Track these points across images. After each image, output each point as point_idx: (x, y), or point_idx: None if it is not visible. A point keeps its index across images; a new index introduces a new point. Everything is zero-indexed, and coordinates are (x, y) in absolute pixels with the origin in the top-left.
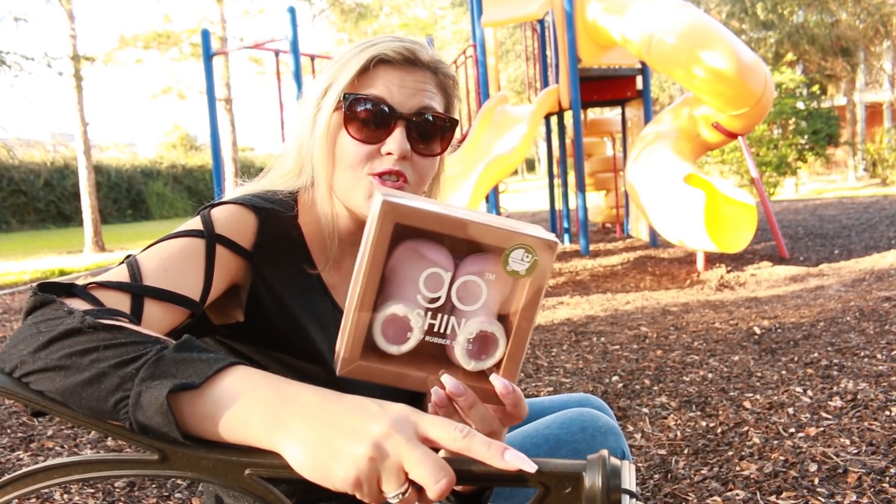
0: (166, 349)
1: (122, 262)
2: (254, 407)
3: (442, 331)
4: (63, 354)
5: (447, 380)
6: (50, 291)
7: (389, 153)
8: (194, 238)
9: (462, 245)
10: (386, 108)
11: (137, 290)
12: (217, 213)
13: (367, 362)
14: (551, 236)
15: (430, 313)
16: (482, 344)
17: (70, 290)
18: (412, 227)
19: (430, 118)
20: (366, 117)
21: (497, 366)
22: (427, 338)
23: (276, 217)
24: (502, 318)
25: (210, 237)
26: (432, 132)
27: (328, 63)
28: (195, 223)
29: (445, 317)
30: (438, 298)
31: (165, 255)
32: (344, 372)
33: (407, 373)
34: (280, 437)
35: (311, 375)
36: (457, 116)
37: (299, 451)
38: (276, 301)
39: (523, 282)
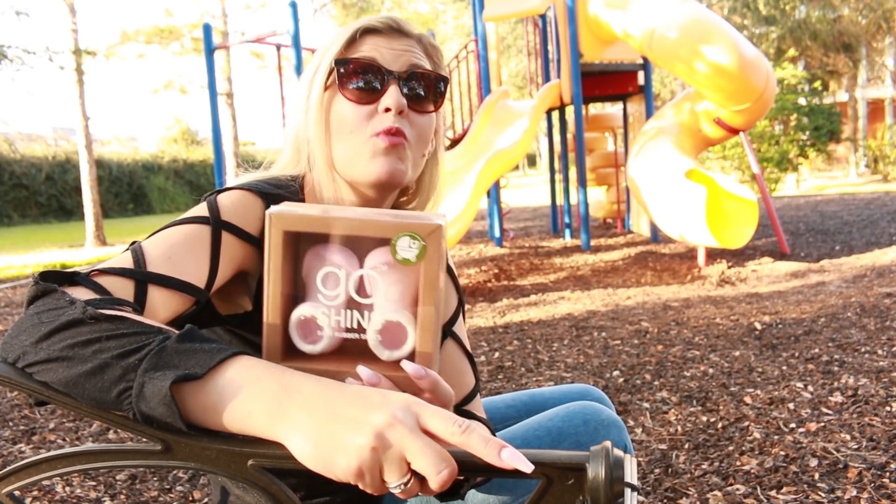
0: (169, 339)
1: (127, 249)
2: (257, 397)
3: (351, 325)
4: (65, 345)
5: (362, 370)
6: (52, 280)
7: (388, 109)
8: (200, 224)
9: (363, 244)
10: (379, 67)
11: (141, 277)
12: (223, 200)
13: (291, 363)
14: (437, 218)
15: (334, 310)
16: (391, 333)
17: (72, 278)
18: (300, 232)
19: (422, 75)
20: (360, 78)
21: (413, 352)
22: (344, 335)
23: (283, 200)
24: (407, 304)
25: (216, 223)
26: (426, 88)
27: (317, 48)
28: (201, 209)
29: (350, 312)
30: (338, 296)
31: (170, 242)
32: None
33: (328, 369)
34: (283, 428)
35: None
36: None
37: (302, 441)
38: None
39: (416, 267)
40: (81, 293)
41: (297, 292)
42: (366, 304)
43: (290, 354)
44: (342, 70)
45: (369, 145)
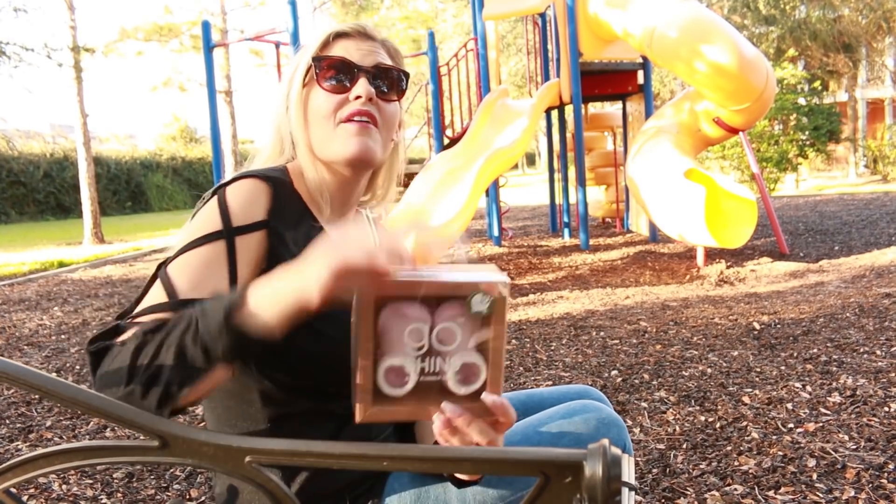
0: (202, 307)
1: (155, 277)
2: (276, 282)
3: (433, 370)
4: (146, 364)
5: (447, 406)
6: (100, 340)
7: (358, 96)
8: (215, 242)
9: (431, 301)
10: (350, 62)
11: (173, 308)
12: (232, 199)
13: (380, 407)
14: (501, 277)
15: (419, 359)
16: (467, 373)
17: (116, 330)
18: (389, 295)
19: (387, 69)
20: (334, 73)
21: (483, 386)
22: (422, 378)
23: (284, 183)
24: (479, 347)
25: (229, 236)
26: (390, 81)
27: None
28: (213, 217)
29: (432, 358)
30: (423, 346)
31: (192, 267)
32: (364, 419)
33: (413, 409)
34: (305, 283)
35: (336, 337)
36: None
37: (318, 274)
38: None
39: (488, 317)
40: (129, 334)
41: (377, 344)
42: (446, 351)
43: (378, 400)
44: (318, 66)
45: (342, 128)
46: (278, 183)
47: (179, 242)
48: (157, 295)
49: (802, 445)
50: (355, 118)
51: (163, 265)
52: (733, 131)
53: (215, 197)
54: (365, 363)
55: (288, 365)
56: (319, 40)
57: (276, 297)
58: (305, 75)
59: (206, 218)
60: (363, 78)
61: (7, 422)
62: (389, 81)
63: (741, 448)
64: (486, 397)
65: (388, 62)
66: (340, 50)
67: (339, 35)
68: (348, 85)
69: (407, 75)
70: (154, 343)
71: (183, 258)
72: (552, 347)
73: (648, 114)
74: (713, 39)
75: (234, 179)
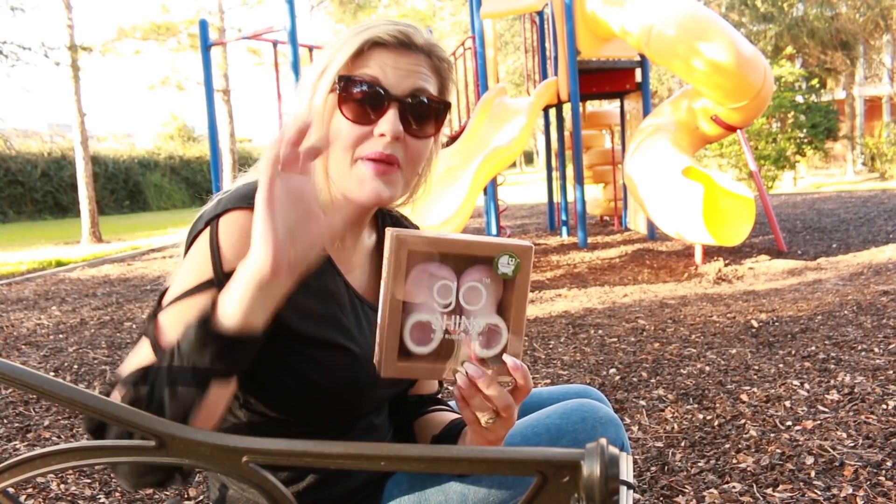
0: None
1: (149, 332)
2: (239, 278)
3: (457, 328)
4: (146, 410)
5: (469, 366)
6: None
7: (382, 134)
8: (207, 292)
9: (458, 262)
10: (380, 90)
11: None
12: (224, 239)
13: (403, 363)
14: (527, 242)
15: (445, 316)
16: (490, 335)
17: (107, 395)
18: (421, 251)
19: (424, 100)
20: (360, 98)
21: (504, 349)
22: (446, 336)
23: None
24: (501, 312)
25: (220, 285)
26: (426, 114)
27: (325, 47)
28: (204, 263)
29: (457, 317)
30: (450, 304)
31: (184, 321)
32: (387, 374)
33: (435, 367)
34: (253, 255)
35: (334, 364)
36: (451, 99)
37: (259, 241)
38: (287, 297)
39: (512, 281)
40: (116, 395)
41: (405, 301)
42: (471, 311)
43: (402, 356)
44: (344, 86)
45: (358, 168)
46: None
47: (172, 288)
48: (145, 354)
49: (800, 443)
50: (371, 161)
51: (154, 314)
52: (731, 129)
53: (207, 233)
54: (393, 318)
55: (272, 399)
56: (353, 48)
57: (238, 287)
58: (332, 85)
59: (198, 262)
60: (393, 109)
61: (5, 421)
62: (425, 113)
63: (739, 446)
64: (507, 358)
65: (430, 86)
66: (374, 66)
67: (377, 43)
68: (374, 117)
69: (448, 105)
70: (146, 387)
71: (174, 310)
72: (550, 346)
73: (646, 112)
74: (711, 37)
75: (227, 210)
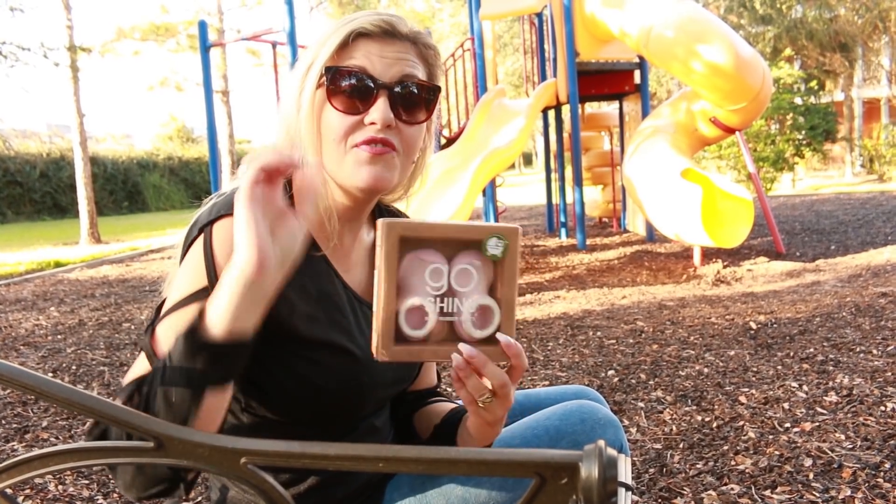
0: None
1: (147, 343)
2: (223, 285)
3: (450, 311)
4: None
5: (464, 347)
6: (90, 433)
7: (373, 122)
8: (203, 299)
9: (448, 246)
10: (367, 79)
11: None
12: (218, 247)
13: (399, 347)
14: (514, 225)
15: (437, 299)
16: (483, 315)
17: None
18: (411, 237)
19: (412, 86)
20: (348, 89)
21: (497, 330)
22: (440, 318)
23: None
24: (492, 293)
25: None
26: (415, 100)
27: (310, 43)
28: (198, 271)
29: (450, 299)
30: (442, 287)
31: (179, 331)
32: (383, 358)
33: (431, 349)
34: (237, 257)
35: (335, 366)
36: (440, 84)
37: (242, 244)
38: (285, 300)
39: (501, 262)
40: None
41: (399, 286)
42: (463, 292)
43: (398, 341)
44: (331, 78)
45: (353, 155)
46: None
47: (168, 298)
48: (143, 365)
49: (799, 445)
50: (365, 146)
51: (151, 326)
52: (730, 131)
53: (201, 240)
54: (388, 304)
55: (272, 401)
56: (337, 40)
57: (224, 292)
58: (319, 79)
59: (192, 271)
60: (382, 98)
61: (3, 422)
62: (415, 99)
63: (738, 448)
64: (501, 336)
65: (418, 72)
66: (360, 56)
67: (361, 34)
68: (363, 107)
69: (438, 90)
70: (141, 397)
71: (170, 320)
72: (549, 347)
73: (645, 113)
74: (710, 39)
75: (220, 216)
